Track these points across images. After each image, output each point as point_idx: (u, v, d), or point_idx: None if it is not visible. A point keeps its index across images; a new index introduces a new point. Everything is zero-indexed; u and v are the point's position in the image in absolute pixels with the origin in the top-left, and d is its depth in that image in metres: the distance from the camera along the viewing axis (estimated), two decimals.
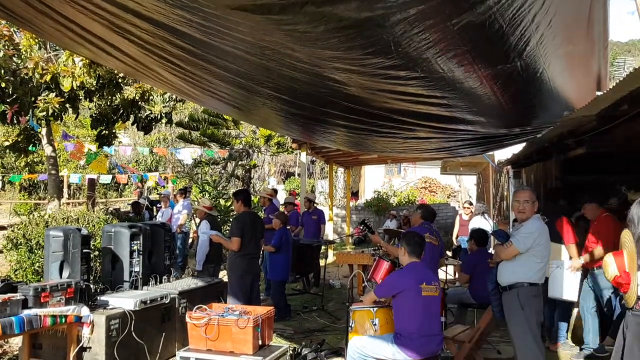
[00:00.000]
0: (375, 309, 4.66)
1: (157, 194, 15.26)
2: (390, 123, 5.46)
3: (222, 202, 13.75)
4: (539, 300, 4.27)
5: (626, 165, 6.73)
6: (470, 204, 12.16)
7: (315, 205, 11.41)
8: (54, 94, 7.98)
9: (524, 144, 7.64)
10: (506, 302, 4.31)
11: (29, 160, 22.18)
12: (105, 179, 18.74)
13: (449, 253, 11.90)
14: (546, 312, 6.16)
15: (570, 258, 5.86)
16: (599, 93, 4.42)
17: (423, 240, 4.64)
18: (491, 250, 7.74)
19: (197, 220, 9.54)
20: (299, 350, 5.56)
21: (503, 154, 10.30)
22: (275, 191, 16.03)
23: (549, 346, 6.10)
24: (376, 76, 3.48)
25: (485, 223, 10.37)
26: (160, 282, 6.13)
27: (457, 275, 9.24)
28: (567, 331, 6.33)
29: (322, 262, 9.84)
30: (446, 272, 8.94)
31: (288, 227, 8.78)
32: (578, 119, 4.90)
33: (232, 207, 13.79)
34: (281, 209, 11.68)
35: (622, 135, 5.15)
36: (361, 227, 6.41)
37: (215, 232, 6.98)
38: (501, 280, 4.34)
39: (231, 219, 13.19)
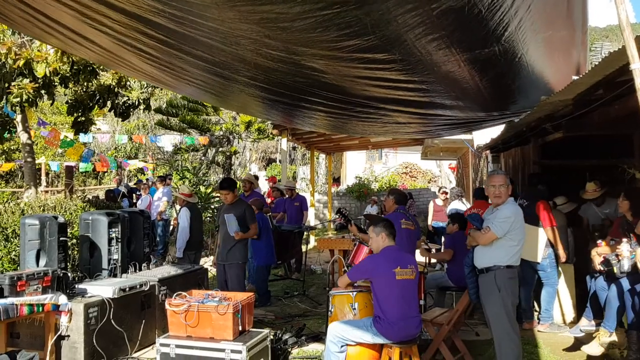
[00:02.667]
0: (354, 293, 4.68)
1: (137, 181, 15.08)
2: (370, 109, 5.45)
3: (202, 189, 13.64)
4: (515, 283, 4.32)
5: (604, 150, 6.82)
6: (445, 187, 12.40)
7: (297, 191, 11.40)
8: (28, 79, 7.82)
9: (502, 129, 7.69)
10: (483, 285, 4.34)
11: (5, 148, 21.75)
12: (84, 166, 18.46)
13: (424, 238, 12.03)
14: (521, 293, 6.29)
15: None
16: (575, 77, 4.45)
17: (391, 223, 4.65)
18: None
19: (177, 207, 9.47)
20: (280, 336, 5.57)
21: (482, 139, 10.37)
22: (256, 177, 15.99)
23: (526, 326, 6.26)
24: (354, 61, 3.47)
25: (463, 207, 10.49)
26: (140, 269, 6.09)
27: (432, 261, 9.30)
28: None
29: (303, 248, 9.85)
30: (427, 258, 9.00)
31: (266, 213, 8.77)
32: (555, 103, 4.93)
33: (216, 195, 13.72)
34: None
35: (598, 119, 5.20)
36: (337, 216, 6.35)
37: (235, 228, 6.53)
38: (478, 264, 4.37)
39: (215, 207, 13.14)
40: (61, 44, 4.69)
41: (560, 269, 6.45)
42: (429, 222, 11.79)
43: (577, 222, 6.83)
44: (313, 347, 5.60)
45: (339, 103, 5.10)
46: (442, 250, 7.97)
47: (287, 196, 10.89)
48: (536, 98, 5.24)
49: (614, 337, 5.11)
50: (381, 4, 2.51)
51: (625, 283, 4.83)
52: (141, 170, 21.92)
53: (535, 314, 6.49)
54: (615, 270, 4.88)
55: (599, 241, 5.34)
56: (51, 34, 4.06)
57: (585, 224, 6.66)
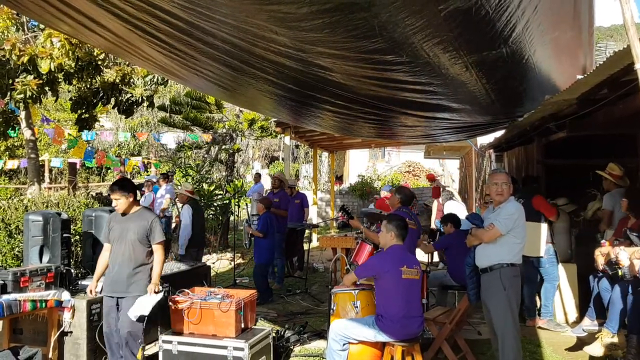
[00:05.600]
0: (356, 291, 4.69)
1: (146, 179, 15.08)
2: (377, 110, 5.43)
3: (205, 186, 13.64)
4: (519, 281, 4.31)
5: (607, 149, 6.80)
6: (447, 186, 12.53)
7: (297, 189, 11.40)
8: (32, 76, 7.83)
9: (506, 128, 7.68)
10: (487, 284, 4.32)
11: (9, 145, 21.78)
12: (89, 163, 18.48)
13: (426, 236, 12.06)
14: (525, 291, 6.29)
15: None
16: (579, 77, 4.44)
17: (407, 225, 4.68)
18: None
19: (180, 204, 9.48)
20: (282, 333, 5.59)
21: (485, 138, 10.37)
22: (258, 175, 16.02)
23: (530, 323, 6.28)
24: (361, 61, 3.46)
25: (459, 206, 10.56)
26: None
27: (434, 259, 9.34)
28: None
29: (305, 246, 9.86)
30: (430, 256, 9.00)
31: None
32: (559, 103, 4.92)
33: (219, 192, 13.74)
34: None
35: (602, 119, 5.19)
36: (340, 213, 6.32)
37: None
38: (481, 263, 4.35)
39: (218, 205, 13.14)
40: (71, 30, 4.65)
41: (561, 266, 6.45)
42: (432, 221, 11.81)
43: (584, 221, 6.81)
44: (315, 345, 5.61)
45: (346, 102, 5.08)
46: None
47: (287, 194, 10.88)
48: (542, 101, 5.22)
49: (617, 339, 5.11)
50: (388, 5, 2.51)
51: (628, 286, 4.82)
52: (145, 168, 22.02)
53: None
54: (622, 272, 4.85)
55: (602, 241, 5.32)
56: (61, 19, 4.02)
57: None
